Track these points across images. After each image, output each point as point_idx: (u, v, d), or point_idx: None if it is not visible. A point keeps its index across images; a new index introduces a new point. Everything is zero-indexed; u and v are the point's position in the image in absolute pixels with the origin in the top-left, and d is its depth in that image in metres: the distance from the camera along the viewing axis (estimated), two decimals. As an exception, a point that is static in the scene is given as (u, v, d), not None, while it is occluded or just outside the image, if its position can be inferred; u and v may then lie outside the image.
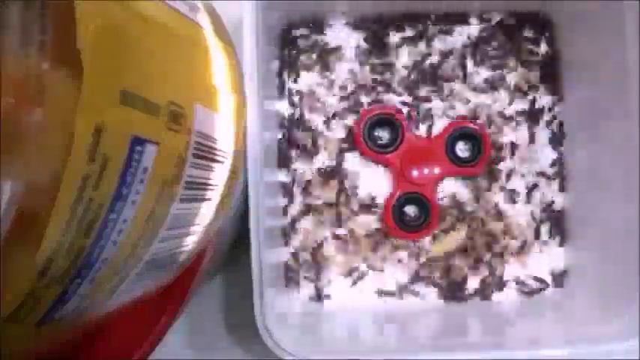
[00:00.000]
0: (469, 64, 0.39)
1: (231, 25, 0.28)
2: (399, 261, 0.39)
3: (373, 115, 0.38)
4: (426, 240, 0.39)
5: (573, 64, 0.39)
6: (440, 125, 0.39)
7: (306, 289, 0.38)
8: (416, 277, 0.39)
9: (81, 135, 0.16)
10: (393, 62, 0.39)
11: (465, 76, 0.39)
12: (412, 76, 0.39)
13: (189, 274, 0.27)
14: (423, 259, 0.39)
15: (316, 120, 0.39)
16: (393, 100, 0.39)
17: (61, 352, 0.23)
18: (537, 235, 0.39)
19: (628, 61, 0.32)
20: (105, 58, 0.17)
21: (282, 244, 0.38)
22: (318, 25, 0.39)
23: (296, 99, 0.39)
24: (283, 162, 0.39)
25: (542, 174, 0.39)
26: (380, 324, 0.38)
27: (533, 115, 0.39)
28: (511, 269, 0.39)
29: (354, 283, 0.39)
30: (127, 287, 0.22)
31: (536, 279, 0.39)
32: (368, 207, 0.39)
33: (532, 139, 0.39)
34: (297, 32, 0.39)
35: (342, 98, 0.39)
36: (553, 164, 0.39)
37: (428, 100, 0.39)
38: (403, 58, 0.39)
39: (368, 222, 0.39)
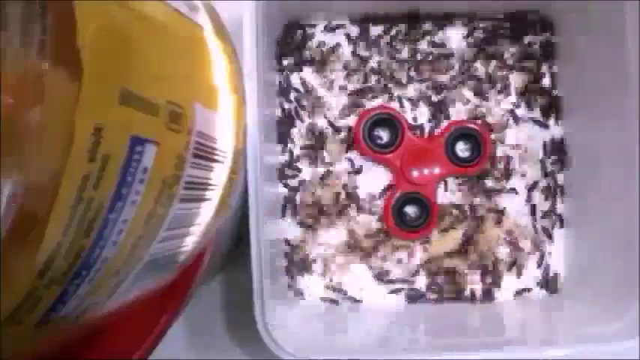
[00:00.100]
0: (469, 64, 0.39)
1: (231, 25, 0.28)
2: (399, 261, 0.39)
3: (373, 115, 0.38)
4: (426, 240, 0.39)
5: (573, 64, 0.39)
6: (440, 125, 0.39)
7: (306, 289, 0.38)
8: (416, 277, 0.39)
9: (81, 135, 0.16)
10: (393, 62, 0.39)
11: (465, 75, 0.39)
12: (412, 76, 0.39)
13: (189, 274, 0.27)
14: (423, 259, 0.39)
15: (316, 120, 0.39)
16: (393, 99, 0.39)
17: (61, 352, 0.23)
18: (537, 234, 0.39)
19: (628, 61, 0.32)
20: (104, 58, 0.17)
21: (282, 244, 0.38)
22: (318, 25, 0.39)
23: (296, 99, 0.39)
24: (283, 162, 0.39)
25: (542, 174, 0.39)
26: (380, 324, 0.38)
27: (533, 115, 0.39)
28: (511, 269, 0.39)
29: (354, 283, 0.39)
30: (126, 287, 0.22)
31: (536, 279, 0.39)
32: (368, 207, 0.39)
33: (532, 139, 0.39)
34: (297, 32, 0.39)
35: (342, 98, 0.39)
36: (553, 164, 0.39)
37: (428, 99, 0.39)
38: (403, 58, 0.39)
39: (368, 222, 0.39)
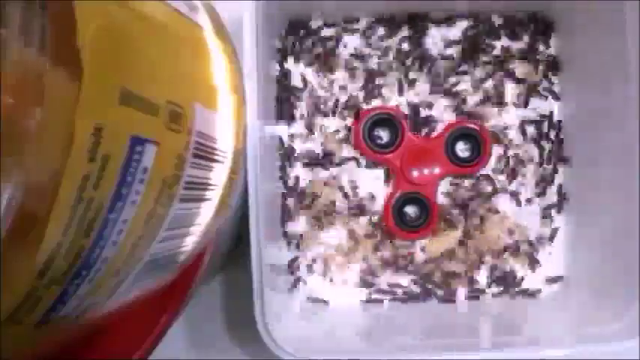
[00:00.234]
0: (469, 64, 0.39)
1: (231, 25, 0.28)
2: (399, 261, 0.39)
3: (373, 115, 0.38)
4: (426, 240, 0.39)
5: (573, 64, 0.39)
6: (440, 125, 0.39)
7: (306, 289, 0.38)
8: (416, 277, 0.39)
9: (81, 135, 0.16)
10: (393, 62, 0.39)
11: (465, 75, 0.39)
12: (412, 76, 0.39)
13: (189, 274, 0.27)
14: (423, 259, 0.39)
15: (316, 120, 0.39)
16: (393, 99, 0.39)
17: (61, 352, 0.23)
18: (537, 235, 0.39)
19: (628, 61, 0.32)
20: (104, 58, 0.17)
21: (282, 244, 0.38)
22: (318, 25, 0.39)
23: (296, 98, 0.39)
24: (283, 162, 0.39)
25: (542, 174, 0.39)
26: (380, 324, 0.38)
27: (533, 116, 0.39)
28: (511, 269, 0.39)
29: (354, 282, 0.39)
30: (126, 287, 0.22)
31: (536, 279, 0.39)
32: (368, 207, 0.39)
33: (532, 139, 0.39)
34: (297, 32, 0.39)
35: (342, 98, 0.39)
36: (553, 164, 0.39)
37: (428, 99, 0.39)
38: (403, 58, 0.39)
39: (368, 222, 0.39)
